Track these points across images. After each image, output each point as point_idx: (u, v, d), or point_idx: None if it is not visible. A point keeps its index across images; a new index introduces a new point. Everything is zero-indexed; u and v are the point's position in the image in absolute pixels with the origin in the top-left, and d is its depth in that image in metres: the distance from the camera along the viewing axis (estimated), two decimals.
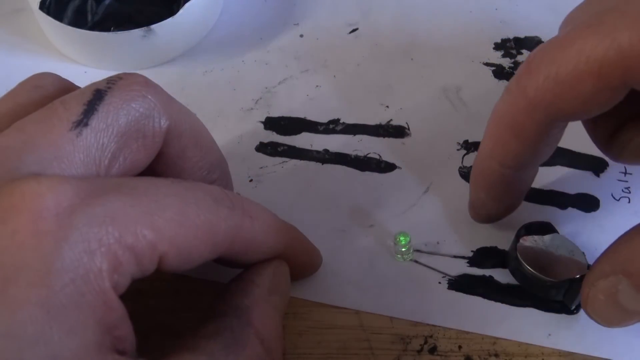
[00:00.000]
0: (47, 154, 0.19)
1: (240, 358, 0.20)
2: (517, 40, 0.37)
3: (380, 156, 0.33)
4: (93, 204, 0.18)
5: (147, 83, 0.22)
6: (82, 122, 0.20)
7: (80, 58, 0.36)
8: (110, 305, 0.18)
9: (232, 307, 0.22)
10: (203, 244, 0.20)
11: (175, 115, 0.23)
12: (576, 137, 0.33)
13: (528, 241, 0.27)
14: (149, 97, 0.22)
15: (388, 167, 0.32)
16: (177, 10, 0.35)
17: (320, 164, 0.33)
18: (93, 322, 0.18)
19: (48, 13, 0.35)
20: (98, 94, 0.21)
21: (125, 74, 0.22)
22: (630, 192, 0.31)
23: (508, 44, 0.37)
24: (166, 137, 0.23)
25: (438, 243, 0.30)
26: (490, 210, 0.28)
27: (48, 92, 0.22)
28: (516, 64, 0.36)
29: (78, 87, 0.22)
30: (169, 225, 0.19)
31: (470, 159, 0.32)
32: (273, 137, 0.34)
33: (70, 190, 0.18)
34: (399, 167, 0.32)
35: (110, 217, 0.18)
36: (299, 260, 0.26)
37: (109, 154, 0.21)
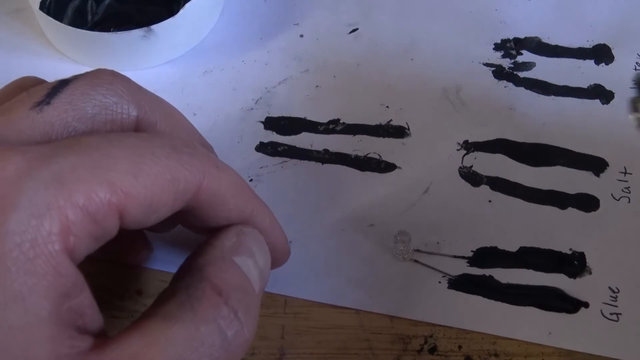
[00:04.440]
0: (4, 129, 0.20)
1: (198, 312, 0.19)
2: (517, 40, 0.37)
3: (380, 156, 0.33)
4: (40, 167, 0.18)
5: (113, 74, 0.22)
6: (44, 101, 0.20)
7: (80, 58, 0.36)
8: (62, 270, 0.17)
9: (187, 270, 0.21)
10: (164, 193, 0.20)
11: (146, 105, 0.23)
12: (576, 137, 0.33)
13: None
14: (116, 85, 0.22)
15: (388, 167, 0.32)
16: (177, 10, 0.35)
17: (320, 164, 0.33)
18: (43, 288, 0.17)
19: (48, 13, 0.35)
20: (63, 82, 0.21)
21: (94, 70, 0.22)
22: (630, 192, 0.31)
23: (508, 44, 0.36)
24: (138, 127, 0.22)
25: (438, 243, 0.30)
26: None
27: None
28: (516, 64, 0.36)
29: None
30: (124, 178, 0.19)
31: (470, 159, 0.32)
32: (273, 137, 0.34)
33: (18, 157, 0.18)
34: (399, 167, 0.32)
35: (58, 178, 0.18)
36: (268, 239, 0.24)
37: (75, 134, 0.20)
